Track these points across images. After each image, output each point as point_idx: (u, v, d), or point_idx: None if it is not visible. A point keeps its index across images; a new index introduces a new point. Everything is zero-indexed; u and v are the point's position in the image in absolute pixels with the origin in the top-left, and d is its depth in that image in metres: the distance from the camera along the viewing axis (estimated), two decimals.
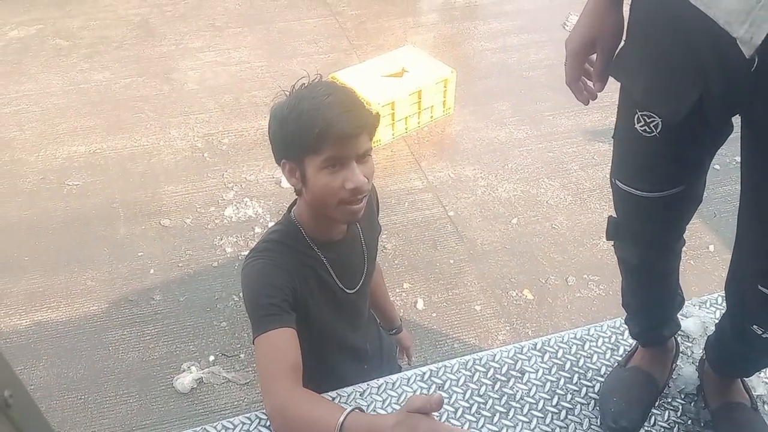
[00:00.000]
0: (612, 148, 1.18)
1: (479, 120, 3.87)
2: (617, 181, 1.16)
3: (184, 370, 2.52)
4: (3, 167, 3.57)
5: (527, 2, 5.11)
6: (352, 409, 1.00)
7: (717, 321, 1.55)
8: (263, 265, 1.20)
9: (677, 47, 0.94)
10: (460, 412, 1.33)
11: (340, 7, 5.04)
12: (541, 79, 4.16)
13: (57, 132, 3.82)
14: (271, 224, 3.15)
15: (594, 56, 1.12)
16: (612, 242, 1.31)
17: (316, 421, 1.01)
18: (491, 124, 3.83)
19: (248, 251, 1.26)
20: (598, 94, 1.16)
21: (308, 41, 4.64)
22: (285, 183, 3.31)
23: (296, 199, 1.27)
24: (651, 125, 1.03)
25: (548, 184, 3.39)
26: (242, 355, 2.59)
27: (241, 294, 2.79)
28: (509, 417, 1.33)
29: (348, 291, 1.33)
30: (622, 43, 1.08)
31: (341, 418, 0.98)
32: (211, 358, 2.58)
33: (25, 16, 5.04)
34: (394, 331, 1.77)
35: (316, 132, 1.08)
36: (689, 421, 1.37)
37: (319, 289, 1.28)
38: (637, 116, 1.04)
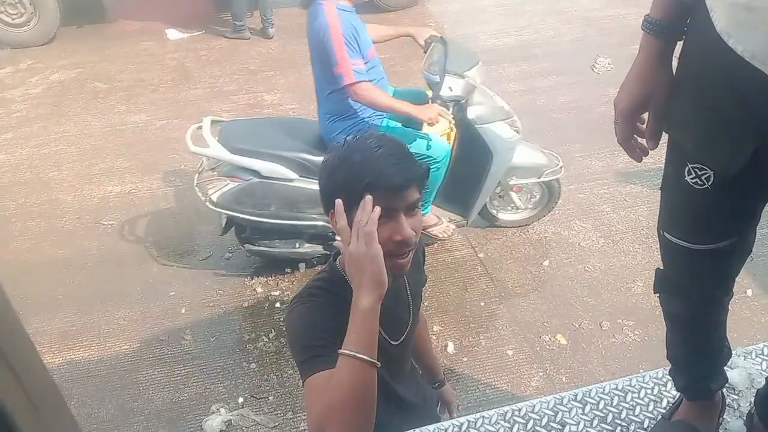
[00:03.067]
0: (660, 199, 1.16)
1: None
2: (666, 234, 1.14)
3: (213, 412, 2.50)
4: (41, 206, 3.65)
5: (555, 45, 5.15)
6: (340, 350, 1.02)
7: (764, 372, 1.50)
8: (307, 310, 1.19)
9: (731, 101, 0.93)
10: None
11: None
12: (570, 121, 4.16)
13: (93, 172, 3.91)
14: (301, 265, 3.16)
15: (644, 115, 1.11)
16: (658, 295, 1.28)
17: (339, 379, 1.02)
18: None
19: (290, 299, 1.25)
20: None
21: None
22: None
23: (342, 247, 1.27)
24: (702, 177, 1.01)
25: (580, 226, 3.35)
26: (271, 398, 2.56)
27: (270, 335, 2.80)
28: None
29: (393, 342, 1.30)
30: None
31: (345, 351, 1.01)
32: (240, 400, 2.56)
33: (66, 60, 5.22)
34: (437, 384, 1.72)
35: (365, 183, 1.08)
36: None
37: None
38: (687, 168, 1.03)
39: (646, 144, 1.13)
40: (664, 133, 1.09)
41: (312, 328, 1.15)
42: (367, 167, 1.09)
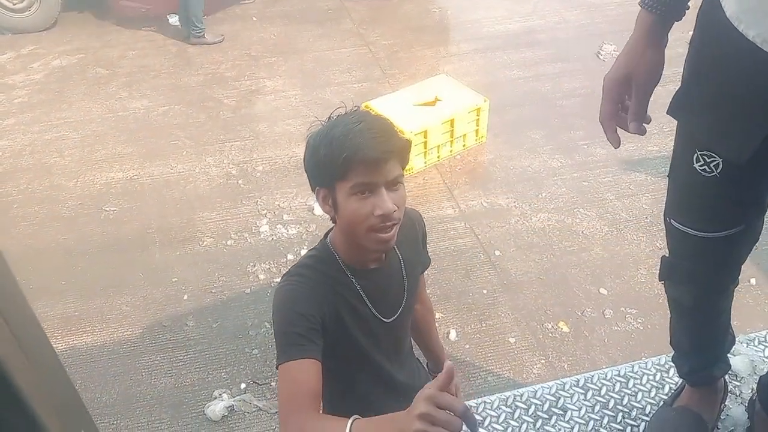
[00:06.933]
0: (667, 186, 1.15)
1: (512, 148, 3.85)
2: (673, 221, 1.13)
3: (215, 398, 2.51)
4: (43, 192, 3.65)
5: (560, 31, 5.10)
6: (354, 419, 1.00)
7: (767, 359, 1.50)
8: (293, 291, 1.21)
9: (742, 87, 0.92)
10: None
11: (373, 37, 5.10)
12: (575, 108, 4.13)
13: (95, 158, 3.90)
14: (303, 251, 3.16)
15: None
16: (663, 282, 1.27)
17: None
18: (524, 152, 3.80)
19: (282, 275, 1.27)
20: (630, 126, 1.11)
21: (341, 70, 4.69)
22: (318, 210, 3.33)
23: (334, 226, 1.28)
24: (711, 165, 1.00)
25: (583, 214, 3.34)
26: (273, 383, 2.57)
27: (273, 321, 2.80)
28: None
29: (385, 320, 1.31)
30: (680, 83, 1.05)
31: (347, 428, 0.99)
32: (243, 385, 2.56)
33: (67, 46, 5.20)
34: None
35: (343, 157, 1.10)
36: None
37: (352, 317, 1.27)
38: (696, 156, 1.02)
39: (628, 124, 1.09)
40: (672, 120, 1.07)
41: (293, 313, 1.17)
42: (347, 142, 1.10)
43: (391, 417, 0.94)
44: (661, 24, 1.01)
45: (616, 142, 1.11)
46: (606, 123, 1.10)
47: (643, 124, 1.07)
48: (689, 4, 1.01)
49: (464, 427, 0.86)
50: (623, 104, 1.09)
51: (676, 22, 1.02)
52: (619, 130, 1.12)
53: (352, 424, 0.99)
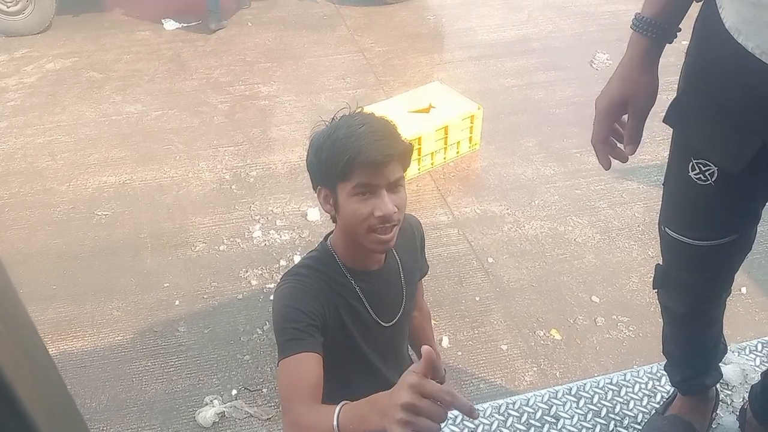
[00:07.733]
0: (661, 194, 1.16)
1: (506, 156, 3.86)
2: (667, 229, 1.14)
3: (206, 404, 2.50)
4: (35, 196, 3.63)
5: (554, 40, 5.13)
6: (343, 404, 0.99)
7: (758, 368, 1.50)
8: (292, 289, 1.22)
9: (740, 97, 0.92)
10: None
11: (367, 44, 5.11)
12: (568, 116, 4.15)
13: (88, 162, 3.89)
14: (296, 257, 3.15)
15: (625, 117, 1.09)
16: (656, 290, 1.27)
17: (318, 423, 1.02)
18: (518, 160, 3.81)
19: (279, 278, 1.28)
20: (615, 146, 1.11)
21: (336, 77, 4.70)
22: (311, 216, 3.32)
23: (334, 228, 1.29)
24: (706, 173, 1.01)
25: (576, 222, 3.35)
26: (265, 390, 2.56)
27: (265, 327, 2.80)
28: None
29: (383, 324, 1.31)
30: (676, 91, 1.05)
31: (336, 413, 0.98)
32: (234, 391, 2.55)
33: (61, 49, 5.19)
34: (437, 381, 1.72)
35: (346, 159, 1.12)
36: None
37: (351, 318, 1.27)
38: (691, 164, 1.02)
39: (624, 148, 1.11)
40: (665, 129, 1.08)
41: (293, 310, 1.18)
42: (350, 144, 1.12)
43: (375, 401, 0.92)
44: (655, 47, 1.01)
45: (607, 165, 1.12)
46: (599, 146, 1.12)
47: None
48: (685, 15, 1.01)
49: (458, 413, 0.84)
50: (615, 129, 1.10)
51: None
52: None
53: (340, 410, 0.98)
